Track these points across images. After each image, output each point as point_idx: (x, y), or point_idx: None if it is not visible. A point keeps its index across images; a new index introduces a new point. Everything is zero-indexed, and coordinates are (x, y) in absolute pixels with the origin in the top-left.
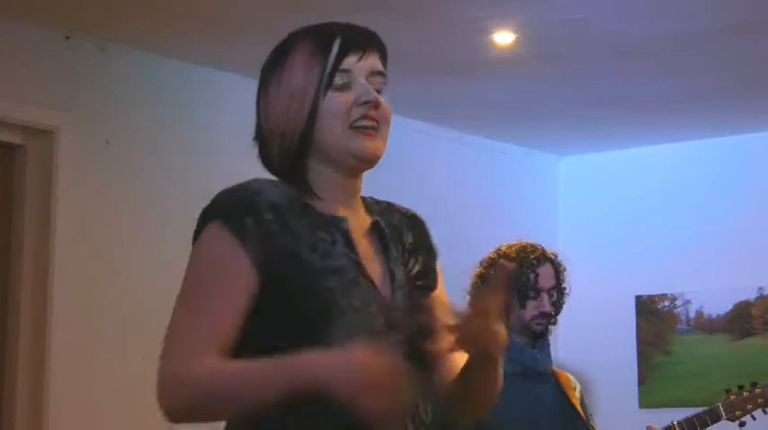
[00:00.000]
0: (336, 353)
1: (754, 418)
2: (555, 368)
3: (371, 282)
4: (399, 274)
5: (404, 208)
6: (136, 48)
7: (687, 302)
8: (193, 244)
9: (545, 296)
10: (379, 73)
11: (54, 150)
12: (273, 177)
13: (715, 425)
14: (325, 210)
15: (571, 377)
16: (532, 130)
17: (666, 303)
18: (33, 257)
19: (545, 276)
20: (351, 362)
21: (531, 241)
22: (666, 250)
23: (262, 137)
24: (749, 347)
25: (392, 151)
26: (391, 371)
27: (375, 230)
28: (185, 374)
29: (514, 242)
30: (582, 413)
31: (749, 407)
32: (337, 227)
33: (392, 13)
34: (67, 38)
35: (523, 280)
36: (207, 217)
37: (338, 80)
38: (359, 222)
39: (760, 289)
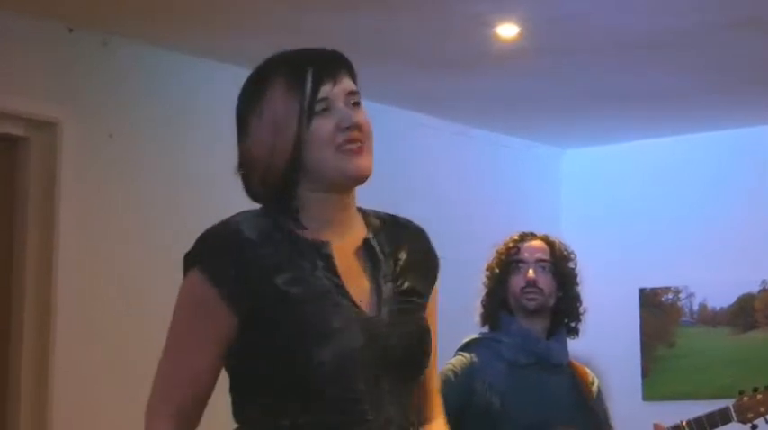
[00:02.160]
0: None
1: (767, 422)
2: (573, 361)
3: (353, 302)
4: (387, 290)
5: (407, 222)
6: (139, 41)
7: (691, 295)
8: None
9: (528, 267)
10: (353, 92)
11: (57, 143)
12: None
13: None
14: (310, 235)
15: (589, 371)
16: (535, 124)
17: (670, 296)
18: (36, 250)
19: (528, 250)
20: None
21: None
22: (670, 243)
23: (245, 168)
24: (752, 340)
25: (395, 144)
26: None
27: (365, 246)
28: (147, 426)
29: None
30: (596, 409)
31: (762, 409)
32: (319, 252)
33: (395, 8)
34: (71, 31)
35: (507, 256)
36: (189, 261)
37: (318, 108)
38: (350, 240)
39: (763, 282)
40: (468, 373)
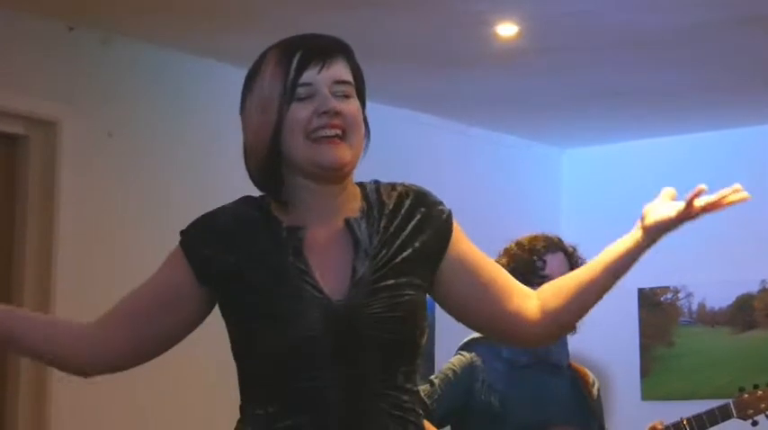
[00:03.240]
0: None
1: None
2: (574, 363)
3: (317, 287)
4: (363, 270)
5: (405, 188)
6: (139, 39)
7: (689, 295)
8: None
9: None
10: (343, 81)
11: (56, 141)
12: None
13: (728, 422)
14: (289, 221)
15: (589, 373)
16: (535, 123)
17: (669, 296)
18: (36, 249)
19: (554, 264)
20: None
21: (550, 234)
22: (669, 242)
23: (244, 152)
24: (751, 340)
25: (395, 144)
26: None
27: (347, 227)
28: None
29: (536, 234)
30: (596, 410)
31: (763, 406)
32: (292, 237)
33: (395, 6)
34: (71, 29)
35: (530, 268)
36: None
37: (302, 92)
38: (333, 224)
39: (762, 281)
40: (467, 373)
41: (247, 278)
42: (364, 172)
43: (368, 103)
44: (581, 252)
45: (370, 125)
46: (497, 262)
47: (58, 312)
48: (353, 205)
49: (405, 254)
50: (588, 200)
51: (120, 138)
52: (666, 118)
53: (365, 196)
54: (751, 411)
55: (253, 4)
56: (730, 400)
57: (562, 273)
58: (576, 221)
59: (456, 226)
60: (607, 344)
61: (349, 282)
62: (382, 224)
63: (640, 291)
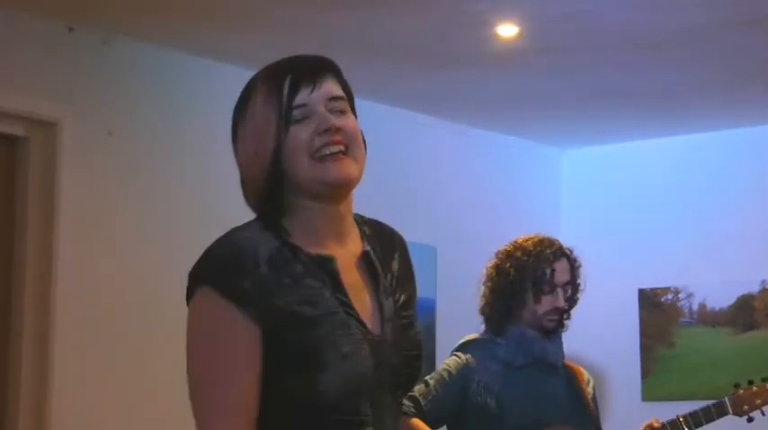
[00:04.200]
0: None
1: (764, 414)
2: (568, 362)
3: (361, 322)
4: (388, 306)
5: (390, 230)
6: (138, 39)
7: (690, 295)
8: (188, 304)
9: (560, 291)
10: (337, 97)
11: (56, 142)
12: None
13: (724, 419)
14: (313, 249)
15: (585, 372)
16: (535, 123)
17: (669, 296)
18: (36, 249)
19: (561, 271)
20: None
21: (547, 235)
22: (669, 243)
23: (242, 182)
24: (752, 340)
25: (395, 144)
26: None
27: (365, 260)
28: None
29: (531, 235)
30: (592, 409)
31: (758, 402)
32: (325, 268)
33: (395, 6)
34: (70, 29)
35: (539, 274)
36: (198, 280)
37: (298, 114)
38: (350, 251)
39: (763, 282)
40: (463, 374)
41: (297, 313)
42: (365, 173)
43: (368, 104)
44: (580, 252)
45: (370, 125)
46: (497, 266)
47: (58, 312)
48: (355, 231)
49: (407, 290)
50: (588, 200)
51: (120, 138)
52: (666, 118)
53: (356, 222)
54: (746, 407)
55: (253, 4)
56: (726, 397)
57: (566, 280)
58: (576, 221)
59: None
60: (608, 344)
61: (380, 318)
62: (386, 260)
63: (641, 291)
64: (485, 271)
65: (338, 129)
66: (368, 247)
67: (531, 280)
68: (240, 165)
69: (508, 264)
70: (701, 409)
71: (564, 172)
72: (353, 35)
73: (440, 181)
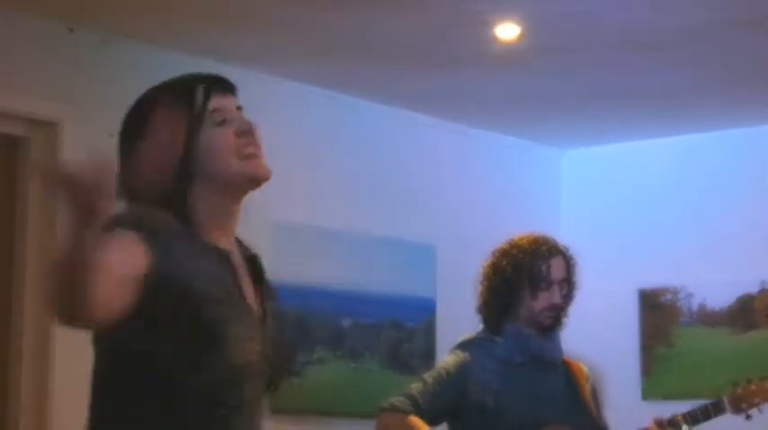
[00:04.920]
0: None
1: (761, 412)
2: (567, 358)
3: (252, 315)
4: (269, 309)
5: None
6: (139, 40)
7: (690, 295)
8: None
9: (556, 288)
10: (240, 108)
11: (57, 143)
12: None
13: (722, 417)
14: (210, 241)
15: (584, 367)
16: (536, 124)
17: (669, 296)
18: (36, 250)
19: (557, 268)
20: None
21: (543, 233)
22: (669, 243)
23: (131, 188)
24: (751, 340)
25: (395, 144)
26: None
27: (253, 264)
28: None
29: (527, 233)
30: (591, 406)
31: (756, 400)
32: (223, 259)
33: (395, 6)
34: (71, 30)
35: (536, 271)
36: (120, 223)
37: (217, 118)
38: (236, 251)
39: (762, 282)
40: (461, 372)
41: (198, 292)
42: (365, 173)
43: (368, 104)
44: (580, 252)
45: (370, 125)
46: (494, 264)
47: None
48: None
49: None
50: (588, 200)
51: None
52: (666, 118)
53: None
54: (744, 405)
55: (253, 4)
56: (724, 395)
57: (562, 277)
58: (576, 221)
59: None
60: (608, 344)
61: (262, 317)
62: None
63: (641, 291)
64: (481, 269)
65: (254, 131)
66: (255, 252)
67: (528, 276)
68: (138, 171)
69: (505, 262)
70: (700, 408)
71: (564, 172)
72: (353, 35)
73: (439, 181)
